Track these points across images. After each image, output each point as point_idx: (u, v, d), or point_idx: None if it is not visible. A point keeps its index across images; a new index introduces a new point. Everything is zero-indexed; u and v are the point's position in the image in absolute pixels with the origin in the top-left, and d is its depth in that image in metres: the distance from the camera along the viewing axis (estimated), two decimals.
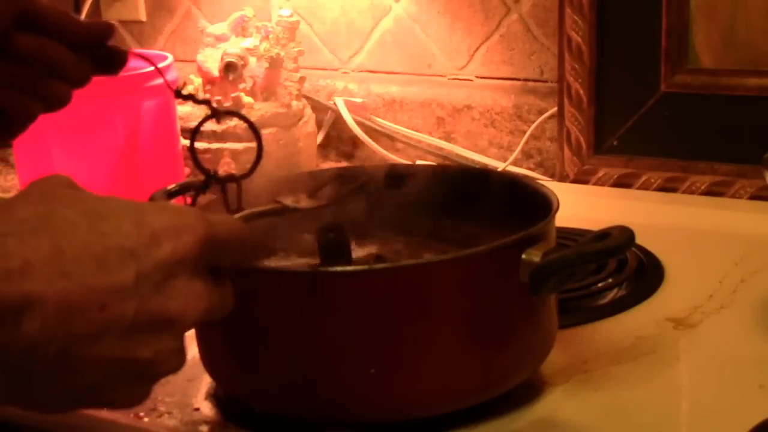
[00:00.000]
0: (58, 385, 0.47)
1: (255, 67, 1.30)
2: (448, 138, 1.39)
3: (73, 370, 0.46)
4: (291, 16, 1.34)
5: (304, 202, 0.73)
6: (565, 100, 1.23)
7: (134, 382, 0.50)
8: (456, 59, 1.39)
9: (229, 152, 1.28)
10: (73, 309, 0.45)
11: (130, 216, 0.49)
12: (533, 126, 1.31)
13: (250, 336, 0.72)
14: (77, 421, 0.78)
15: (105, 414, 0.78)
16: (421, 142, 1.40)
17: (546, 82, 1.33)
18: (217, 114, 0.71)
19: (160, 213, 0.50)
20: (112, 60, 0.73)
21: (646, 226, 0.87)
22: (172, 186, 0.86)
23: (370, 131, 1.43)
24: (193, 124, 1.30)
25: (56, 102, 0.72)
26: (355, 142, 1.43)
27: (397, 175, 0.89)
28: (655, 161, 1.20)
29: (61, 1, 1.69)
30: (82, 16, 1.63)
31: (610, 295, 0.92)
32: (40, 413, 0.50)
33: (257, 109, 1.29)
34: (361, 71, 1.47)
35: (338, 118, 1.44)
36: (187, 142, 1.29)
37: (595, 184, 1.22)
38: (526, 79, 1.35)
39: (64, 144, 1.15)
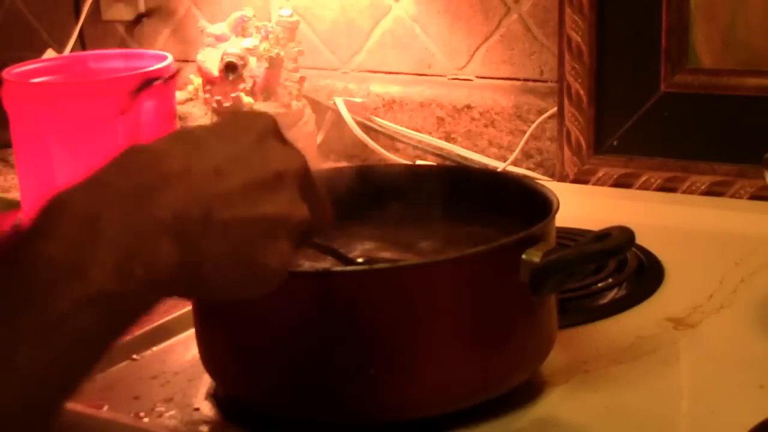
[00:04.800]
0: (217, 248, 0.55)
1: (255, 67, 1.30)
2: (448, 138, 1.39)
3: (221, 231, 0.55)
4: (291, 16, 1.34)
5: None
6: (565, 100, 1.23)
7: (274, 237, 0.58)
8: (456, 59, 1.39)
9: None
10: (194, 177, 0.54)
11: (213, 124, 0.61)
12: (533, 126, 1.31)
13: (250, 336, 0.72)
14: (77, 421, 0.78)
15: (105, 414, 0.78)
16: (421, 142, 1.40)
17: (546, 82, 1.33)
18: None
19: (233, 114, 0.63)
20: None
21: (646, 226, 0.87)
22: None
23: (370, 131, 1.43)
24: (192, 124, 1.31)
25: None
26: (355, 142, 1.43)
27: (396, 176, 0.89)
28: (655, 161, 1.20)
29: (60, 1, 1.69)
30: (82, 17, 1.64)
31: (610, 295, 0.92)
32: (214, 293, 0.59)
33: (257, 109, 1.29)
34: (361, 71, 1.47)
35: (338, 118, 1.43)
36: None
37: (595, 184, 1.22)
38: (526, 79, 1.35)
39: (64, 144, 1.14)
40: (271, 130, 0.60)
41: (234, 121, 0.60)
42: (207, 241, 0.54)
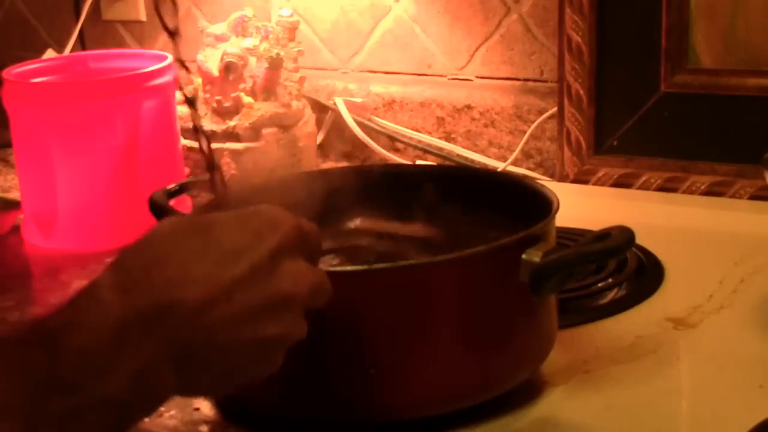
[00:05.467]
0: (214, 368, 0.57)
1: (255, 67, 1.30)
2: (448, 138, 1.39)
3: (222, 353, 0.57)
4: (291, 16, 1.34)
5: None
6: (565, 100, 1.23)
7: (270, 355, 0.60)
8: (456, 59, 1.39)
9: (229, 152, 1.28)
10: (206, 304, 0.56)
11: (234, 223, 0.59)
12: (533, 126, 1.31)
13: None
14: None
15: None
16: (421, 142, 1.40)
17: (546, 82, 1.33)
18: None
19: (257, 215, 0.60)
20: None
21: (646, 226, 0.87)
22: (172, 186, 0.86)
23: (370, 131, 1.43)
24: (192, 124, 1.30)
25: None
26: (355, 142, 1.43)
27: (396, 176, 0.89)
28: (655, 161, 1.20)
29: (60, 1, 1.70)
30: (82, 17, 1.63)
31: (610, 295, 0.92)
32: (204, 396, 0.68)
33: (257, 109, 1.29)
34: (361, 71, 1.47)
35: (338, 118, 1.43)
36: (187, 142, 1.29)
37: (595, 184, 1.22)
38: (526, 79, 1.35)
39: (64, 144, 1.14)
40: (289, 244, 0.60)
41: (255, 227, 0.59)
42: (204, 362, 0.57)
